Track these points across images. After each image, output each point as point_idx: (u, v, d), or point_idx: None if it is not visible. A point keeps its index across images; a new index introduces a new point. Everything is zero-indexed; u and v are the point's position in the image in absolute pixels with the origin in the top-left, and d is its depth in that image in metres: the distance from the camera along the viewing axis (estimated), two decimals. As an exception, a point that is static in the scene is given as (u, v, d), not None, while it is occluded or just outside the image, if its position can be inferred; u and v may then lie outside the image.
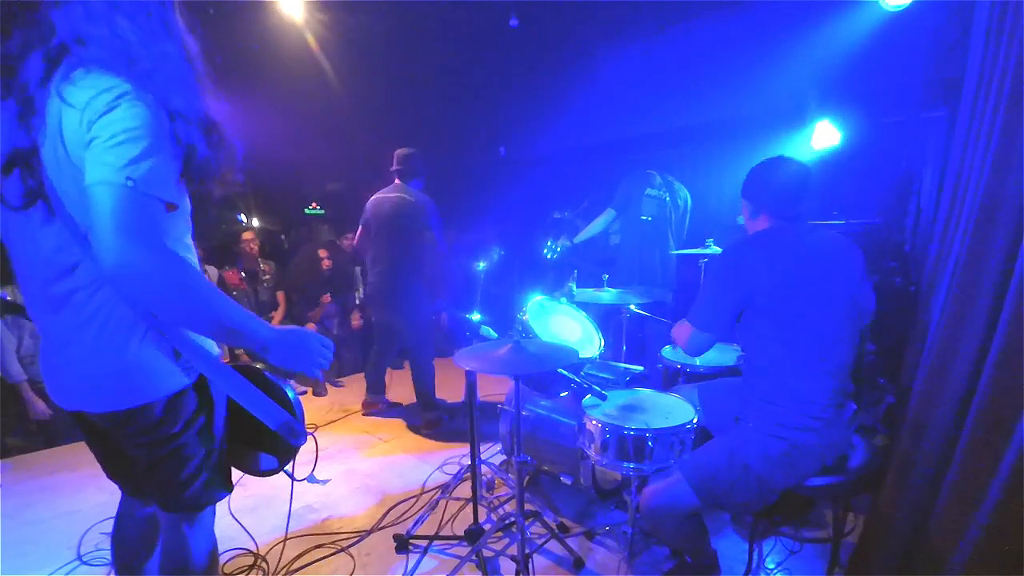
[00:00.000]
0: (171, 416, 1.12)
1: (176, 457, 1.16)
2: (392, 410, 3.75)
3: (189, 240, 1.19)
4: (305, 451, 1.38)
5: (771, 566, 1.98)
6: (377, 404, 3.70)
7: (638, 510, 1.99)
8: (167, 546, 1.29)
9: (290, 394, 1.25)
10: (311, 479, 1.34)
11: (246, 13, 4.03)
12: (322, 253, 4.45)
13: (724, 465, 1.55)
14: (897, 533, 1.58)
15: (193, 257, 1.20)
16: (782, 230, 1.65)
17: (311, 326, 4.17)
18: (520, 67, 5.23)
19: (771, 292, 1.54)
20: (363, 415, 3.67)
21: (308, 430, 1.28)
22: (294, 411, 1.23)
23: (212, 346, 1.20)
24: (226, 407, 1.24)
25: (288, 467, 1.33)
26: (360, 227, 3.37)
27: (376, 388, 3.68)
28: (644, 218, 3.39)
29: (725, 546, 2.08)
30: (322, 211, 8.60)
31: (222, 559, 2.06)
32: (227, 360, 1.27)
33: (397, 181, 3.37)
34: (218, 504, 1.34)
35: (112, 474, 1.33)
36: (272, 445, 1.31)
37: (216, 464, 1.23)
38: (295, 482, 1.37)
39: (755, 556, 1.92)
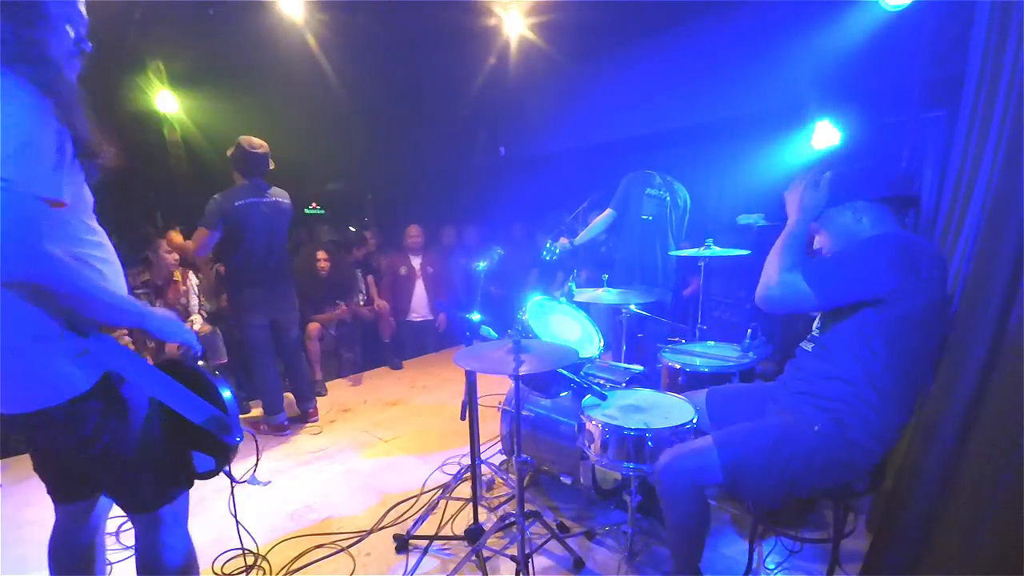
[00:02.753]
0: (76, 420, 1.12)
1: (106, 458, 1.16)
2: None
3: (93, 236, 1.18)
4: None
5: (771, 566, 1.97)
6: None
7: (639, 509, 1.99)
8: (139, 549, 1.30)
9: (225, 393, 1.25)
10: (252, 480, 1.31)
11: (246, 13, 4.03)
12: (320, 255, 4.41)
13: (766, 453, 1.47)
14: (907, 534, 1.58)
15: (101, 251, 1.19)
16: (915, 236, 1.49)
17: (314, 327, 4.16)
18: (520, 67, 5.23)
19: (927, 305, 1.38)
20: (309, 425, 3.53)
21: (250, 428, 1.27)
22: (225, 408, 1.22)
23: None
24: (150, 406, 1.23)
25: (252, 472, 1.32)
26: (211, 230, 3.03)
27: (308, 394, 3.58)
28: (645, 217, 3.39)
29: (725, 546, 2.08)
30: (322, 211, 8.61)
31: (222, 559, 2.07)
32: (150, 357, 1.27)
33: (258, 180, 3.18)
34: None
35: (47, 477, 1.32)
36: (207, 444, 1.29)
37: (159, 463, 1.23)
38: (235, 483, 1.34)
39: (755, 556, 1.92)
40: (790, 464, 1.46)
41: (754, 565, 1.92)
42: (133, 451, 1.19)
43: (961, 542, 1.33)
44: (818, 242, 1.64)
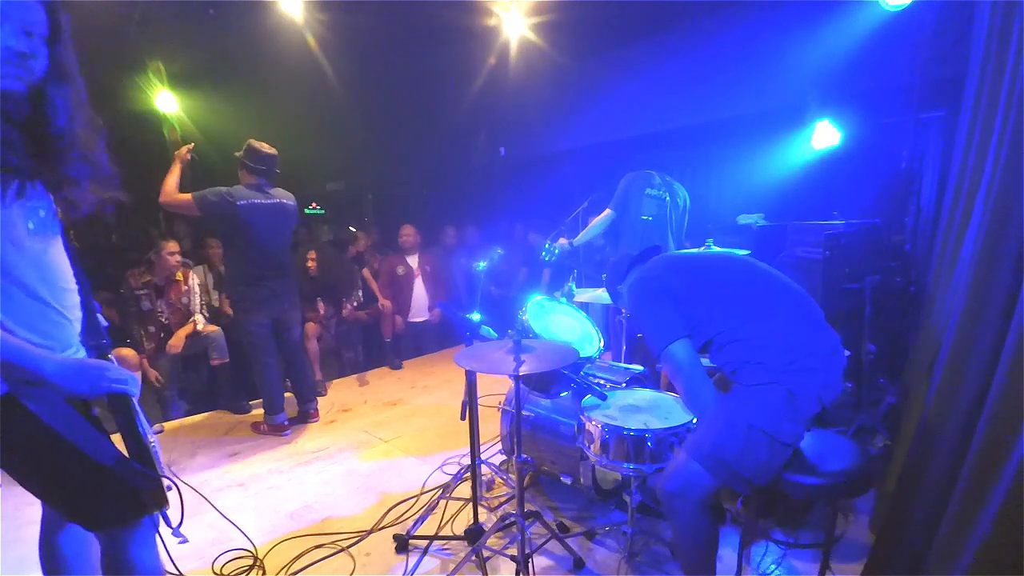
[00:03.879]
0: None
1: (13, 474, 1.20)
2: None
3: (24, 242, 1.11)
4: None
5: (771, 567, 1.97)
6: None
7: (639, 509, 1.99)
8: (102, 564, 1.30)
9: (149, 437, 1.24)
10: (175, 532, 1.25)
11: (246, 13, 4.03)
12: (310, 255, 4.40)
13: (726, 431, 1.48)
14: (911, 533, 1.58)
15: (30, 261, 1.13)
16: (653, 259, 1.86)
17: (312, 327, 4.16)
18: (520, 67, 5.23)
19: (694, 286, 1.63)
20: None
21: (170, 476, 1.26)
22: (128, 451, 1.20)
23: (43, 364, 1.12)
24: (52, 435, 1.17)
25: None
26: (198, 207, 2.99)
27: (310, 394, 3.62)
28: (645, 218, 3.39)
29: (724, 546, 2.07)
30: (322, 211, 8.62)
31: (222, 559, 2.07)
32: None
33: (264, 181, 3.21)
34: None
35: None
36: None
37: (81, 486, 1.20)
38: (169, 526, 1.31)
39: (747, 558, 1.91)
40: (754, 425, 1.46)
41: (750, 566, 1.91)
42: (36, 472, 1.19)
43: (964, 542, 1.32)
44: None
